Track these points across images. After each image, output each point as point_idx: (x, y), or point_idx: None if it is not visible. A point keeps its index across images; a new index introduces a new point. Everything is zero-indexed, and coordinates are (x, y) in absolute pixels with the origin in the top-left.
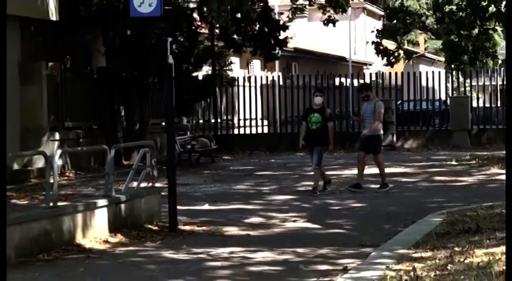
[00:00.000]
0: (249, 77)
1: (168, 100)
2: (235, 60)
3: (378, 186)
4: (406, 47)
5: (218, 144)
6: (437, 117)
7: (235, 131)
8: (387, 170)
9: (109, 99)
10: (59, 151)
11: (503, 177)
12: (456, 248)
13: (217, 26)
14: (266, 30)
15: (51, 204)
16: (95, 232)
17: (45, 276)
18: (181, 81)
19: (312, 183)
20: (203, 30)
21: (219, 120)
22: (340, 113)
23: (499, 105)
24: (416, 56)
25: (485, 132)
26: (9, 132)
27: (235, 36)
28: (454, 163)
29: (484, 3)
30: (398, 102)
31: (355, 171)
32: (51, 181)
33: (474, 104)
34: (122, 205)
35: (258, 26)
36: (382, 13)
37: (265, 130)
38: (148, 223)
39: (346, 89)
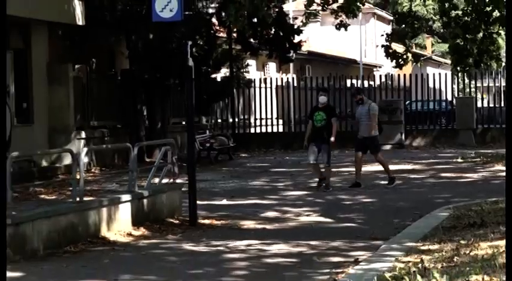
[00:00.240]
0: (265, 79)
1: (188, 101)
2: (251, 62)
3: (386, 182)
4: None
5: (235, 142)
6: (443, 117)
7: (252, 130)
8: (396, 167)
9: (132, 99)
10: (85, 149)
11: None
12: (462, 241)
13: (235, 30)
14: (281, 34)
15: (78, 199)
16: (119, 225)
17: (72, 267)
18: (200, 83)
19: (324, 180)
20: (221, 34)
21: (236, 119)
22: (351, 112)
23: (502, 105)
24: (424, 58)
25: (490, 131)
26: (38, 131)
27: (251, 40)
28: (459, 160)
29: (488, 9)
30: (407, 102)
31: (367, 168)
32: (78, 177)
33: (479, 105)
34: (145, 200)
35: (273, 30)
36: (391, 18)
37: (280, 129)
38: (169, 217)
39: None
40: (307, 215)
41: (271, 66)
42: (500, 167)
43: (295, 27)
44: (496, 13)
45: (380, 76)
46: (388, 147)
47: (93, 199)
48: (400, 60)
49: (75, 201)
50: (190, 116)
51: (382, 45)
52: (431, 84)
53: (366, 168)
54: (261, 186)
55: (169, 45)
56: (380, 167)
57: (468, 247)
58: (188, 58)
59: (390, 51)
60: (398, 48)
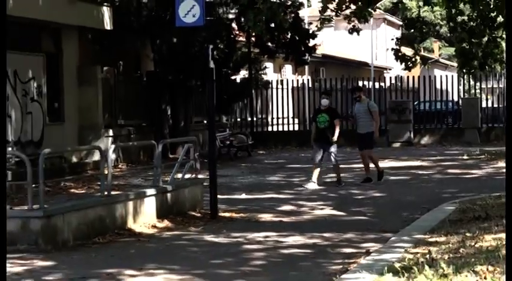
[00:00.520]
0: (282, 80)
1: (209, 101)
2: (269, 65)
3: (394, 178)
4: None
5: (254, 140)
6: (450, 116)
7: (269, 129)
8: (405, 163)
9: (157, 100)
10: (113, 146)
11: None
12: (467, 234)
13: (254, 34)
14: (297, 38)
15: (106, 193)
16: (144, 218)
17: (101, 257)
18: (221, 84)
19: (335, 175)
20: (241, 38)
21: (254, 118)
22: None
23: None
24: (432, 61)
25: (494, 130)
26: (69, 129)
27: (269, 44)
28: (465, 157)
29: (492, 14)
30: (415, 103)
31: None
32: (106, 172)
33: (483, 105)
34: (168, 194)
35: (289, 34)
36: (401, 23)
37: (296, 128)
38: (191, 210)
39: (368, 91)
40: (321, 209)
41: (288, 68)
42: (503, 164)
43: (310, 31)
44: (500, 18)
45: (390, 78)
46: (397, 145)
47: (120, 193)
48: (409, 63)
49: (103, 195)
50: (212, 115)
51: (392, 49)
52: (438, 86)
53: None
54: (278, 181)
55: (192, 49)
56: (392, 164)
57: (473, 239)
58: (210, 61)
59: (400, 54)
60: (408, 51)
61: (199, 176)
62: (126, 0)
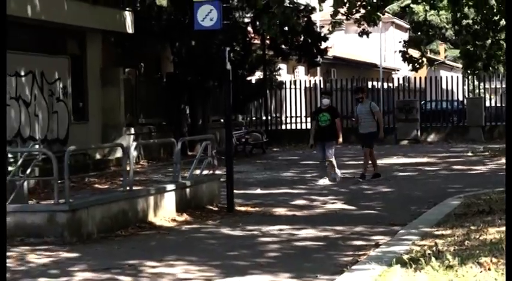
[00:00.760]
0: (295, 81)
1: (226, 101)
2: (283, 66)
3: (401, 174)
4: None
5: (268, 138)
6: (455, 115)
7: (283, 127)
8: (413, 160)
9: (176, 100)
10: (134, 143)
11: None
12: (472, 227)
13: (268, 37)
14: (309, 41)
15: (128, 188)
16: (164, 211)
17: (123, 249)
18: (237, 85)
19: (332, 171)
20: (256, 41)
21: (269, 117)
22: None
23: None
24: (437, 63)
25: (497, 128)
26: (93, 128)
27: (283, 46)
28: (470, 154)
29: (496, 18)
30: (422, 102)
31: (386, 161)
32: (128, 168)
33: (487, 104)
34: (187, 189)
35: (302, 37)
36: (408, 26)
37: (308, 126)
38: (209, 204)
39: (377, 91)
40: (333, 203)
41: (300, 69)
42: None
43: (322, 34)
44: (503, 22)
45: (398, 79)
46: (405, 142)
47: (142, 188)
48: (416, 64)
49: (126, 190)
50: (228, 114)
51: (400, 51)
52: (444, 86)
53: (386, 161)
54: (291, 177)
55: (210, 51)
56: (400, 160)
57: (478, 232)
58: (226, 62)
59: (407, 56)
60: (415, 53)
61: (217, 172)
62: (147, 5)
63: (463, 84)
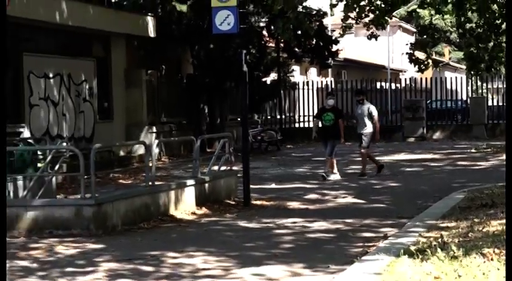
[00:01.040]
0: (307, 82)
1: (243, 100)
2: (296, 68)
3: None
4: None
5: (282, 135)
6: (459, 114)
7: (296, 125)
8: (419, 156)
9: (196, 100)
10: (156, 141)
11: None
12: (475, 220)
13: (282, 41)
14: (321, 44)
15: (150, 183)
16: (185, 205)
17: (146, 241)
18: (253, 86)
19: (330, 169)
20: (271, 44)
21: (283, 116)
22: (380, 110)
23: None
24: (442, 64)
25: (499, 126)
26: (117, 126)
27: (296, 49)
28: (473, 150)
29: (497, 22)
30: (428, 101)
31: (394, 157)
32: (150, 164)
33: (489, 103)
34: (206, 184)
35: (314, 40)
36: (415, 30)
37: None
38: (227, 198)
39: (385, 91)
40: (344, 197)
41: (313, 71)
42: None
43: (333, 38)
44: (504, 26)
45: (405, 79)
46: (412, 139)
47: (163, 183)
48: (422, 65)
49: (148, 185)
50: (245, 113)
51: (407, 53)
52: (448, 86)
53: (393, 157)
54: (304, 172)
55: (227, 54)
56: (406, 156)
57: (481, 224)
58: (243, 65)
59: (413, 58)
60: (421, 55)
61: (234, 168)
62: (168, 10)
63: (467, 85)
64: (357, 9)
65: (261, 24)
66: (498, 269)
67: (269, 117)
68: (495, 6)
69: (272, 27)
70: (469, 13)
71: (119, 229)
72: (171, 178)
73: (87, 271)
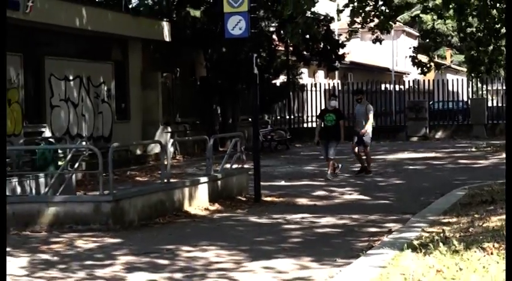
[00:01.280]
0: (315, 84)
1: (253, 101)
2: (304, 70)
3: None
4: (436, 60)
5: (291, 135)
6: (460, 114)
7: (305, 125)
8: (422, 154)
9: (209, 101)
10: (171, 140)
11: None
12: (476, 215)
13: (291, 44)
14: (328, 47)
15: (165, 180)
16: (198, 201)
17: (162, 235)
18: (263, 87)
19: (330, 167)
20: (280, 48)
21: (292, 116)
22: (384, 110)
23: None
24: (444, 67)
25: (498, 126)
26: (134, 126)
27: (304, 52)
28: (473, 149)
29: (497, 26)
30: (430, 102)
31: (398, 155)
32: (165, 163)
33: (489, 104)
34: (219, 182)
35: (322, 44)
36: (418, 34)
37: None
38: (238, 195)
39: (389, 92)
40: (350, 194)
41: (320, 73)
42: None
43: (340, 42)
44: (504, 30)
45: (408, 81)
46: (415, 139)
47: (178, 180)
48: (424, 68)
49: (163, 182)
50: (255, 114)
51: (410, 56)
52: (450, 88)
53: (397, 156)
54: (312, 170)
55: (239, 57)
56: (410, 155)
57: (481, 220)
58: (254, 67)
59: (416, 61)
60: (423, 58)
61: (245, 166)
62: (183, 16)
63: (468, 86)
64: (363, 15)
65: (271, 29)
66: (498, 262)
67: (279, 117)
68: (495, 12)
69: (282, 31)
70: (470, 18)
71: (135, 224)
72: (186, 175)
73: (105, 264)
